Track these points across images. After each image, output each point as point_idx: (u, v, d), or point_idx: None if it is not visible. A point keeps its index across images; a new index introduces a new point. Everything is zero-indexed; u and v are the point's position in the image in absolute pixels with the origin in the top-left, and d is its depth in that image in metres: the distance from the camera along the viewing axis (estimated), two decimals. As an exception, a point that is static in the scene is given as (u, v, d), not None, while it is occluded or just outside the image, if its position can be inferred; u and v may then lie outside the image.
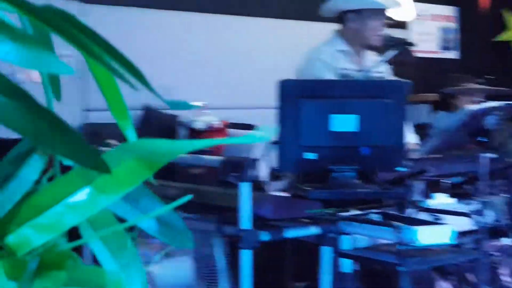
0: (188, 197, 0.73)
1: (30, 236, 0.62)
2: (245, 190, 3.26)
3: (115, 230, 0.69)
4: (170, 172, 3.95)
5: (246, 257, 3.26)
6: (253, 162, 3.41)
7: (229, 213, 3.37)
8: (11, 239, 0.62)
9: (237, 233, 3.29)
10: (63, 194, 0.63)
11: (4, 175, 0.63)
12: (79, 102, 5.11)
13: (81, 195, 0.63)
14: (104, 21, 5.17)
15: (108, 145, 4.00)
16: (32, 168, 0.64)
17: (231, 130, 4.71)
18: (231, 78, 5.90)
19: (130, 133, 0.80)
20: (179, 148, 0.67)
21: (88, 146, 0.60)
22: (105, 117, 4.32)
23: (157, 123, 5.02)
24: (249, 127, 4.69)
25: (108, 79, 0.75)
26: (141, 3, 5.53)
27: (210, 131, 4.52)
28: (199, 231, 3.79)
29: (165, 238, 0.74)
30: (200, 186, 3.77)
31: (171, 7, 5.63)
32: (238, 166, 3.33)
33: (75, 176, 0.64)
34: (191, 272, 3.75)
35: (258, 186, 3.57)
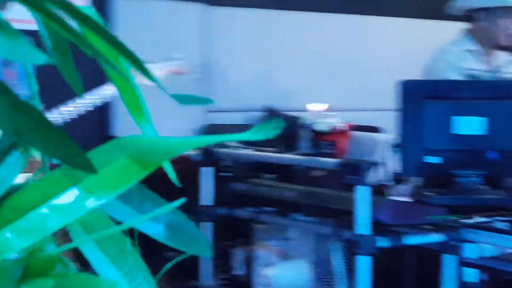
0: (180, 201, 0.66)
1: (10, 240, 0.58)
2: (363, 194, 3.17)
3: (113, 234, 0.63)
4: (289, 174, 3.90)
5: (363, 263, 3.16)
6: (372, 165, 3.32)
7: (347, 217, 3.30)
8: None
9: (354, 238, 3.22)
10: (47, 194, 0.58)
11: None
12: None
13: (68, 196, 0.58)
14: (228, 23, 5.23)
15: (227, 146, 4.02)
16: (12, 166, 0.59)
17: (355, 133, 4.63)
18: (356, 79, 5.79)
19: (148, 130, 0.74)
20: (176, 146, 0.60)
21: (72, 143, 0.54)
22: (227, 118, 4.34)
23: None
24: (374, 129, 4.59)
25: (122, 72, 0.69)
26: (265, 4, 5.49)
27: (333, 133, 4.44)
28: (317, 235, 3.75)
29: (178, 245, 0.67)
30: (318, 188, 3.71)
31: (294, 8, 5.57)
32: (356, 169, 3.26)
33: (61, 176, 0.59)
34: (308, 275, 3.71)
35: (378, 190, 3.47)
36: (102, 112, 4.67)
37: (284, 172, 3.91)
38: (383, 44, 5.96)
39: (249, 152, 3.99)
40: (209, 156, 4.00)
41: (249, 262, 4.08)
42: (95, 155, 0.58)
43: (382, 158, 3.69)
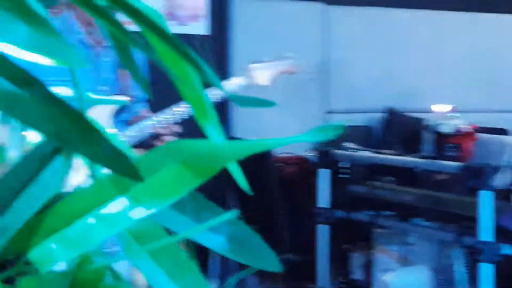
0: (233, 213, 0.60)
1: (55, 250, 0.55)
2: (486, 199, 3.03)
3: (168, 245, 0.58)
4: (410, 177, 3.80)
5: (486, 271, 3.03)
6: (497, 169, 3.18)
7: (470, 223, 3.18)
8: (34, 253, 0.55)
9: (477, 244, 3.08)
10: (94, 203, 0.55)
11: (23, 178, 0.56)
12: (321, 104, 5.14)
13: (116, 205, 0.55)
14: (347, 22, 5.17)
15: (345, 148, 3.98)
16: (56, 173, 0.57)
17: (481, 135, 4.46)
18: (483, 79, 5.57)
19: (213, 133, 0.69)
20: (233, 151, 0.54)
21: (117, 149, 0.51)
22: (347, 119, 4.27)
23: (401, 126, 4.90)
24: (501, 131, 4.41)
25: (184, 72, 0.64)
26: (385, 3, 5.37)
27: (457, 136, 4.31)
28: (438, 240, 3.63)
29: (242, 258, 0.62)
30: (440, 193, 3.59)
31: (416, 6, 5.42)
32: (480, 173, 3.13)
33: (109, 183, 0.56)
34: (429, 282, 3.60)
35: (503, 195, 3.33)
36: (220, 112, 4.70)
37: (404, 175, 3.80)
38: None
39: (368, 154, 3.94)
40: (326, 157, 3.97)
41: (367, 266, 4.01)
42: (146, 161, 0.55)
43: (510, 162, 3.55)
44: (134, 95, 2.84)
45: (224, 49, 4.83)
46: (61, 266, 0.54)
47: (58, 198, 0.54)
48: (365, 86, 5.18)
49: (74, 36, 2.71)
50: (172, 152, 0.53)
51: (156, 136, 2.76)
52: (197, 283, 0.58)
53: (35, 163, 0.57)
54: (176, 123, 2.73)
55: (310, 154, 4.19)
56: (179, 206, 0.57)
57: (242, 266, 0.64)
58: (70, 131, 0.49)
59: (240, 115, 4.82)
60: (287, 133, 4.48)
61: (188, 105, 2.43)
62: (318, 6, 5.02)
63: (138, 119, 2.84)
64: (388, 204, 3.75)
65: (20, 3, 0.47)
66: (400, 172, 3.81)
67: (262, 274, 4.44)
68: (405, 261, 3.83)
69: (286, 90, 4.67)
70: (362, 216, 3.87)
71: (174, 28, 4.62)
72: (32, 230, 0.55)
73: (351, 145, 4.02)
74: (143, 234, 0.58)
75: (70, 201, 0.56)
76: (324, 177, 3.96)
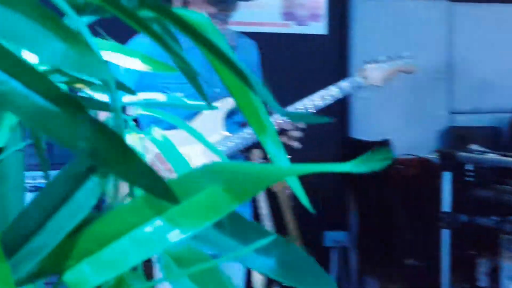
0: (274, 237, 0.56)
1: (89, 273, 0.55)
2: None
3: (209, 269, 0.56)
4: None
5: None
6: None
7: None
8: (68, 276, 0.55)
9: None
10: (129, 225, 0.55)
11: (57, 198, 0.56)
12: (445, 105, 5.03)
13: (151, 227, 0.54)
14: (472, 19, 5.03)
15: (470, 150, 3.88)
16: (90, 192, 0.56)
17: None
18: None
19: (271, 145, 0.65)
20: (272, 175, 0.51)
21: (152, 170, 0.51)
22: (472, 120, 4.18)
23: None
24: None
25: (240, 87, 0.62)
26: None
27: None
28: None
29: (295, 282, 0.58)
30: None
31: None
32: None
33: (144, 204, 0.55)
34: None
35: None
36: (341, 113, 4.73)
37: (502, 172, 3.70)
38: None
39: (495, 156, 3.80)
40: (450, 160, 3.88)
41: (494, 273, 3.91)
42: (183, 182, 0.53)
43: None
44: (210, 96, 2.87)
45: (344, 49, 4.83)
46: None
47: (90, 218, 0.54)
48: (492, 86, 5.04)
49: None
50: (211, 174, 0.51)
51: (280, 132, 2.78)
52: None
53: (70, 182, 0.57)
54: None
55: (433, 156, 4.11)
56: (220, 227, 0.55)
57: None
58: (105, 149, 0.50)
59: (361, 115, 4.81)
60: (408, 134, 4.41)
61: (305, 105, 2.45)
62: (443, 3, 4.92)
63: None
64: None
65: (55, 19, 0.47)
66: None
67: (382, 279, 4.43)
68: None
69: (410, 90, 4.58)
70: (488, 221, 3.76)
71: (293, 28, 4.67)
72: (66, 251, 0.56)
73: (476, 147, 3.91)
74: (184, 257, 0.57)
75: (104, 222, 0.56)
76: (447, 180, 3.88)
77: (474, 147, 3.90)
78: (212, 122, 2.84)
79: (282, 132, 2.76)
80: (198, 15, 0.65)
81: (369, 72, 2.93)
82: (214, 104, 2.67)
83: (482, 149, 3.89)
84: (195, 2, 2.74)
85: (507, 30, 5.11)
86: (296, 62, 4.66)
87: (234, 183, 0.52)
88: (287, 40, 4.64)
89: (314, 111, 2.79)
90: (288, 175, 0.52)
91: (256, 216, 3.58)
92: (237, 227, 0.56)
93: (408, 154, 4.49)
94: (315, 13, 4.71)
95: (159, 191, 0.52)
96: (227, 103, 2.81)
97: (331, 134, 4.57)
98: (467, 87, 5.01)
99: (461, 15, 4.96)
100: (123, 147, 0.50)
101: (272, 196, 3.93)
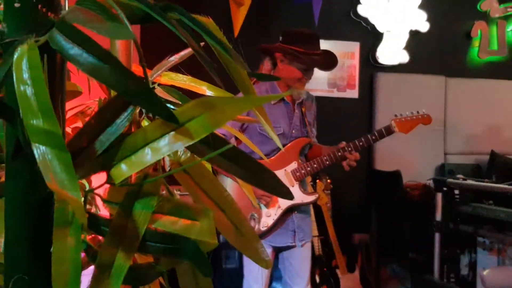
0: None
1: (124, 169, 0.58)
2: None
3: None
4: (505, 200, 3.57)
5: None
6: None
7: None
8: (113, 171, 0.58)
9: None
10: (148, 139, 0.57)
11: (106, 120, 0.59)
12: (441, 148, 4.94)
13: (162, 140, 0.57)
14: (461, 89, 4.96)
15: (456, 179, 3.82)
16: (125, 118, 0.59)
17: None
18: None
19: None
20: (239, 105, 0.56)
21: (163, 103, 0.53)
22: (459, 159, 4.22)
23: (502, 165, 4.51)
24: None
25: (230, 62, 0.67)
26: (489, 75, 5.06)
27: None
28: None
29: None
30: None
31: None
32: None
33: (158, 125, 0.57)
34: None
35: None
36: (368, 151, 4.68)
37: (501, 198, 3.63)
38: None
39: (473, 183, 3.78)
40: (442, 185, 3.86)
41: (472, 265, 3.88)
42: (184, 111, 0.57)
43: None
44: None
45: (371, 108, 4.80)
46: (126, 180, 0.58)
47: (125, 134, 0.59)
48: (475, 135, 4.94)
49: None
50: (200, 105, 0.56)
51: (342, 158, 2.68)
52: None
53: (113, 111, 0.59)
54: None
55: (431, 182, 4.04)
56: None
57: None
58: (132, 90, 0.52)
59: (382, 150, 4.67)
60: (413, 167, 4.10)
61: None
62: (441, 78, 4.90)
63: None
64: (487, 220, 3.61)
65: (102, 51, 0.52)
66: (497, 196, 3.66)
67: (393, 267, 4.33)
68: (503, 262, 3.61)
69: (416, 136, 4.62)
70: (468, 228, 3.73)
71: (335, 93, 4.66)
72: (111, 155, 0.58)
73: (461, 176, 3.90)
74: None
75: (134, 137, 0.58)
76: (440, 199, 3.87)
77: (459, 176, 3.91)
78: (290, 155, 2.80)
79: (343, 158, 2.71)
80: (207, 19, 0.69)
81: (398, 123, 2.83)
82: (291, 143, 2.63)
83: (464, 177, 3.88)
84: (291, 72, 2.68)
85: (487, 98, 5.06)
86: (337, 117, 4.65)
87: (216, 111, 0.55)
88: (330, 101, 4.65)
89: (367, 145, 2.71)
90: (250, 106, 0.55)
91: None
92: None
93: (413, 181, 4.50)
94: (351, 83, 4.76)
95: (168, 117, 0.55)
96: (300, 142, 2.79)
97: (361, 165, 4.52)
98: (457, 136, 4.93)
99: (453, 86, 4.94)
100: (145, 89, 0.53)
101: (317, 209, 3.93)
